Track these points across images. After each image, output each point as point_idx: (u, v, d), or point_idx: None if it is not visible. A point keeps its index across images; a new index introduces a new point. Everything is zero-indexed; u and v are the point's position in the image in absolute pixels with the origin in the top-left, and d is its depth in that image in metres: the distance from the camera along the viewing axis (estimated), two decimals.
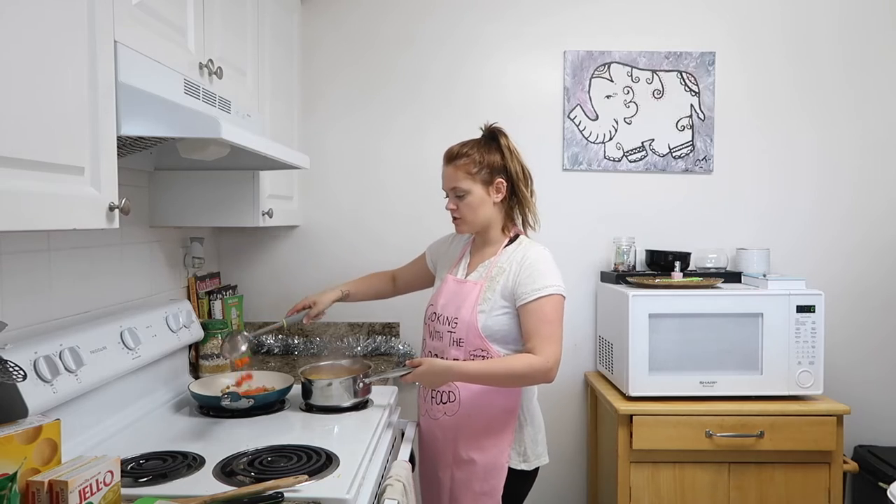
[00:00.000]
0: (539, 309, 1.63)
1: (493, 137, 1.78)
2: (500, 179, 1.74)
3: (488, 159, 1.73)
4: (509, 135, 1.78)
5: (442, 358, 1.74)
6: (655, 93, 2.59)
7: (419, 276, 2.04)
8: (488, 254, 1.79)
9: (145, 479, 1.28)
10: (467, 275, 1.80)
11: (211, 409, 1.76)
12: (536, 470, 1.77)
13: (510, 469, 1.71)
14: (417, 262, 2.06)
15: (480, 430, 1.70)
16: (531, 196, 1.79)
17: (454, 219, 1.79)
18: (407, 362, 1.67)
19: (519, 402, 1.72)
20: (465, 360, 1.70)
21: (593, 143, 2.60)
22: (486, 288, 1.71)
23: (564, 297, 1.68)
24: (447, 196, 1.79)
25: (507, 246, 1.76)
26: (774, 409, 2.14)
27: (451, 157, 1.76)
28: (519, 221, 1.82)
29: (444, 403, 1.74)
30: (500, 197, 1.75)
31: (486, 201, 1.74)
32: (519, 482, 1.74)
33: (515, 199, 1.79)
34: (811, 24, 2.58)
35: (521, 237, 1.79)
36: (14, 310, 1.39)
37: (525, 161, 1.79)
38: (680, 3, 2.59)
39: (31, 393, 1.25)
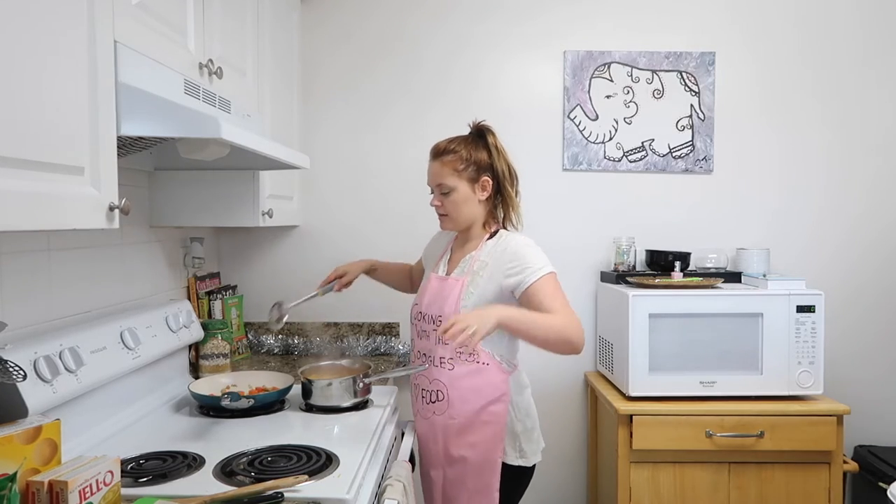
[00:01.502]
0: (541, 289, 1.61)
1: (480, 135, 1.77)
2: (486, 178, 1.73)
3: (475, 156, 1.72)
4: (497, 133, 1.77)
5: (429, 357, 1.74)
6: (655, 93, 2.59)
7: (422, 274, 2.05)
8: (469, 249, 1.77)
9: (145, 479, 1.28)
10: (449, 272, 1.79)
11: (211, 409, 1.76)
12: (533, 467, 1.77)
13: (508, 465, 1.71)
14: (418, 262, 2.08)
15: (470, 427, 1.70)
16: (516, 196, 1.78)
17: (439, 215, 1.78)
18: (440, 332, 1.54)
19: (508, 397, 1.71)
20: (450, 358, 1.70)
21: (593, 143, 2.60)
22: (468, 283, 1.70)
23: (556, 273, 1.67)
24: (432, 192, 1.78)
25: (487, 240, 1.75)
26: (774, 409, 2.14)
27: (438, 152, 1.75)
28: (500, 220, 1.80)
29: (434, 403, 1.74)
30: (485, 195, 1.74)
31: (471, 199, 1.73)
32: (516, 478, 1.74)
33: (500, 197, 1.78)
34: (812, 24, 2.58)
35: (501, 231, 1.77)
36: (14, 310, 1.39)
37: (511, 161, 1.78)
38: (680, 3, 2.59)
39: (31, 393, 1.25)
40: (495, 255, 1.69)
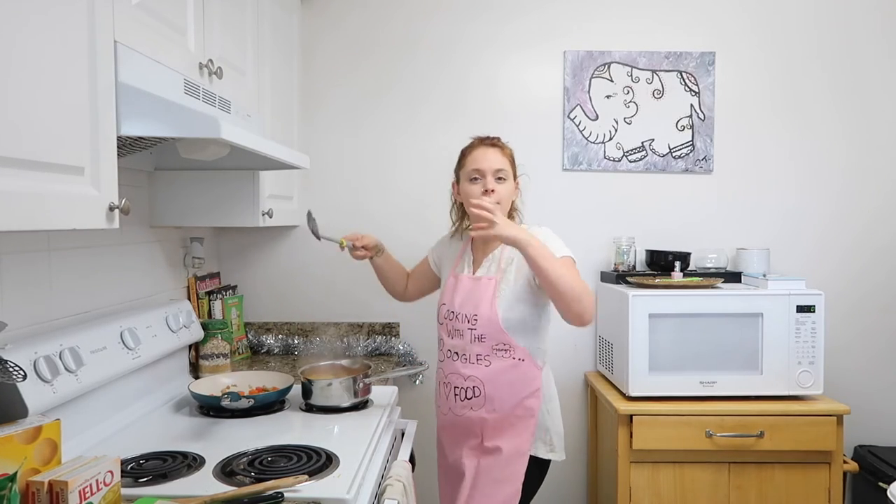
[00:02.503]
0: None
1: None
2: (517, 181, 1.84)
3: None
4: None
5: (463, 355, 1.76)
6: (655, 93, 2.59)
7: (426, 277, 2.05)
8: (492, 247, 1.81)
9: (145, 479, 1.28)
10: (474, 271, 1.82)
11: (211, 409, 1.76)
12: (549, 463, 1.80)
13: (538, 458, 1.75)
14: (421, 265, 2.07)
15: (506, 420, 1.73)
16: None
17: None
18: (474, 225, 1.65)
19: (541, 392, 1.75)
20: (486, 355, 1.73)
21: (593, 143, 2.60)
22: (500, 281, 1.74)
23: (574, 260, 1.74)
24: (475, 179, 1.77)
25: None
26: (774, 409, 2.14)
27: (494, 142, 1.82)
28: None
29: (470, 399, 1.76)
30: (517, 195, 1.84)
31: (512, 194, 1.83)
32: (540, 471, 1.78)
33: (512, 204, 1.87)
34: (813, 23, 2.58)
35: (522, 226, 1.81)
36: (14, 310, 1.39)
37: None
38: (680, 3, 2.59)
39: (31, 393, 1.25)
40: None
